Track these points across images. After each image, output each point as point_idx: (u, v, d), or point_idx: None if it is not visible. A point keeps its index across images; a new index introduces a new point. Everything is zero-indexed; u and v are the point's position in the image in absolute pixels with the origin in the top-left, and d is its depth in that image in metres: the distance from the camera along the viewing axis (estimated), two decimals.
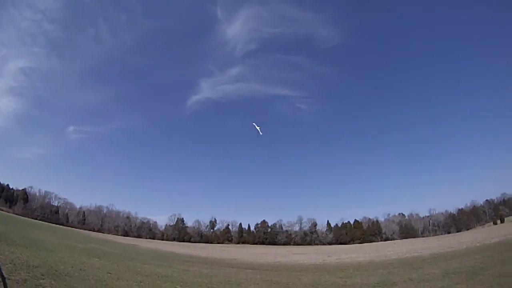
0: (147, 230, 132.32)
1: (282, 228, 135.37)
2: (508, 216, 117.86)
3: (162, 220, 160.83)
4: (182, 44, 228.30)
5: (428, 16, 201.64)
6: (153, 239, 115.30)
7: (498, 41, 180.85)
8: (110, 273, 14.16)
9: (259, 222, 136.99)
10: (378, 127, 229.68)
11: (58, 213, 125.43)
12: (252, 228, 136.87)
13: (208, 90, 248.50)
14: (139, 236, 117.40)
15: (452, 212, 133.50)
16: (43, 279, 9.80)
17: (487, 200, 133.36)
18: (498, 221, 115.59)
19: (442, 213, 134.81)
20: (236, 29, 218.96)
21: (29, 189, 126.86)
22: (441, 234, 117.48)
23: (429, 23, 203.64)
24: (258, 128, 66.75)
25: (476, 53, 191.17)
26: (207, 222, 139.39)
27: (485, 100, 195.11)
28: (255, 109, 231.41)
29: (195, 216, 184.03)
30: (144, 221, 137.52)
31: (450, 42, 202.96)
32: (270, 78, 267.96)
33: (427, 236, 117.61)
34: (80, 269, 13.58)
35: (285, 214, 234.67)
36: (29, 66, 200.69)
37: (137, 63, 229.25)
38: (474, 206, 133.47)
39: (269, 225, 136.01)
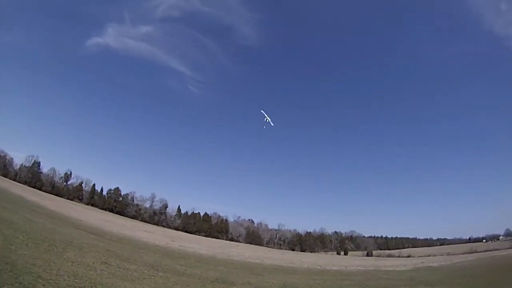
0: (2, 166, 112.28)
1: (133, 201, 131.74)
2: (352, 251, 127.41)
3: (19, 158, 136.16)
4: None
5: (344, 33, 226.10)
6: (5, 177, 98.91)
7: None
8: None
9: (112, 188, 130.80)
10: (256, 131, 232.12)
11: None
12: (104, 192, 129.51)
13: (112, 37, 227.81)
14: None
15: (300, 232, 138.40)
16: None
17: (335, 231, 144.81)
18: (342, 253, 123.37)
19: (290, 231, 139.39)
20: None
21: None
22: (285, 249, 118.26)
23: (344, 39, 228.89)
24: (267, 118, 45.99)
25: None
26: (62, 174, 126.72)
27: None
28: (147, 74, 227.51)
29: (53, 164, 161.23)
30: (1, 154, 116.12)
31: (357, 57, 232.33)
32: (175, 51, 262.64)
33: (271, 247, 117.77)
34: None
35: (139, 188, 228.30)
36: None
37: None
38: (323, 233, 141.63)
39: (122, 193, 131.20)
